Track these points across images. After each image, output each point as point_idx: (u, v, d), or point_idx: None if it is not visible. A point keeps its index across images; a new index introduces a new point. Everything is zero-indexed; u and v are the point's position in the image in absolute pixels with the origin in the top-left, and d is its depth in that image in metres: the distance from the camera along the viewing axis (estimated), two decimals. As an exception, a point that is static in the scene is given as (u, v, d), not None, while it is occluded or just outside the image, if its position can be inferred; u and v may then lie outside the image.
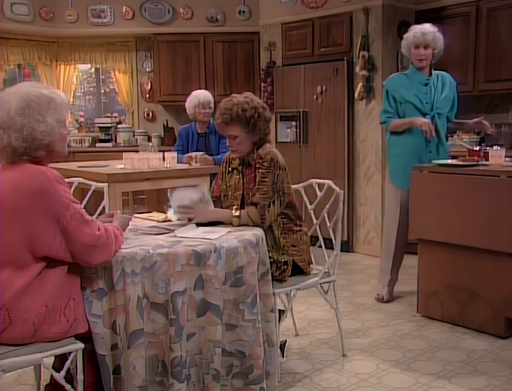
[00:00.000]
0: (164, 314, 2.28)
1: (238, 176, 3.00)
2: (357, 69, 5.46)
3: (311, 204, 3.33)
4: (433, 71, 4.05)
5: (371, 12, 5.41)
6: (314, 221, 3.31)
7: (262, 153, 2.90)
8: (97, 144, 7.14)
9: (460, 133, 5.36)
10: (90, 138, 7.19)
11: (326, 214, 3.25)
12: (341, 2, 5.65)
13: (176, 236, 2.50)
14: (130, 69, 7.40)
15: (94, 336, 2.24)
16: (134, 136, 7.24)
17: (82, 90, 7.90)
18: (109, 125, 7.21)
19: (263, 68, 6.39)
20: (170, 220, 2.88)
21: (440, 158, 3.90)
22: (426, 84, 3.99)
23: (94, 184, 3.46)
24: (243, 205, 2.93)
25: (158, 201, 6.56)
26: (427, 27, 3.99)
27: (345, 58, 5.57)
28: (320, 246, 3.25)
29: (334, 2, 5.72)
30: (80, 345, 2.17)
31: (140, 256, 2.23)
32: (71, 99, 7.58)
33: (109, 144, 7.08)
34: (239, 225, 2.76)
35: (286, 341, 3.26)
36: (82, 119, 7.57)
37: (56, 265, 2.11)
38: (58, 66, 7.36)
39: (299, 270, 2.99)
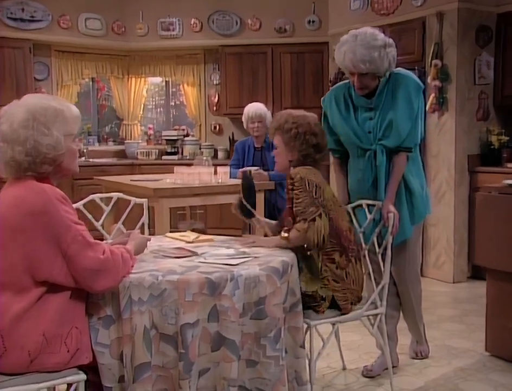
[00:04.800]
0: (174, 346, 2.07)
1: None
2: (429, 79, 5.07)
3: (360, 227, 3.03)
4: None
5: (445, 17, 5.01)
6: (363, 245, 3.00)
7: (292, 173, 2.68)
8: (164, 157, 7.13)
9: None
10: (157, 151, 7.19)
11: (375, 239, 2.93)
12: (413, 8, 5.29)
13: (194, 261, 2.29)
14: (198, 82, 7.36)
15: (100, 367, 2.07)
16: (200, 149, 7.17)
17: (154, 103, 7.96)
18: (176, 137, 7.18)
19: (331, 79, 6.11)
20: (200, 241, 2.69)
21: None
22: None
23: (134, 200, 3.34)
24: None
25: (221, 217, 6.45)
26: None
27: (416, 67, 5.18)
28: (369, 273, 2.95)
29: (406, 8, 5.36)
30: (82, 376, 2.01)
31: (147, 283, 2.04)
32: (141, 112, 7.65)
33: (175, 157, 7.05)
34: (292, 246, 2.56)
35: None
36: (151, 132, 7.61)
37: (58, 290, 1.96)
38: (130, 79, 7.45)
39: (338, 307, 2.67)
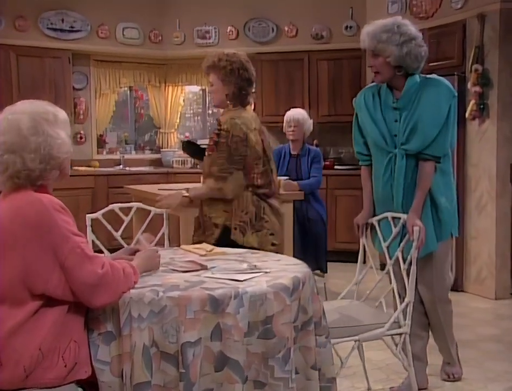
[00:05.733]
0: (175, 365, 1.97)
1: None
2: (469, 85, 4.85)
3: (385, 241, 2.88)
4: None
5: (487, 19, 4.78)
6: (388, 261, 2.85)
7: (222, 120, 3.04)
8: (199, 165, 7.08)
9: None
10: (193, 159, 7.16)
11: (400, 254, 2.77)
12: (453, 10, 5.08)
13: (201, 276, 2.20)
14: (234, 90, 7.29)
15: (100, 384, 1.99)
16: (235, 157, 7.10)
17: (192, 111, 7.96)
18: (212, 146, 7.13)
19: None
20: (214, 254, 2.60)
21: None
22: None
23: (154, 210, 3.28)
24: None
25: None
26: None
27: (455, 73, 4.98)
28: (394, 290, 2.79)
29: (445, 11, 5.16)
30: (79, 392, 1.94)
31: (148, 299, 1.96)
32: (178, 120, 7.65)
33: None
34: (196, 199, 3.20)
35: None
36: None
37: (56, 303, 1.90)
38: (167, 87, 7.47)
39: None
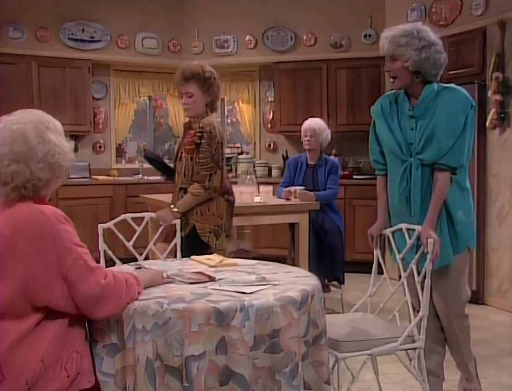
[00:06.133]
0: (179, 379, 1.94)
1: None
2: (490, 93, 4.75)
3: (399, 252, 2.81)
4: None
5: (507, 26, 4.69)
6: (402, 273, 2.78)
7: (203, 123, 3.22)
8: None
9: None
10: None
11: (414, 266, 2.70)
12: (473, 17, 5.00)
13: (207, 288, 2.16)
14: (253, 99, 7.29)
15: (104, 396, 1.98)
16: (254, 167, 7.08)
17: (211, 121, 7.94)
18: (230, 155, 7.11)
19: (388, 94, 5.88)
20: (223, 265, 2.57)
21: None
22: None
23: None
24: None
25: (274, 236, 6.30)
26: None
27: (476, 81, 4.89)
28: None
29: (466, 18, 5.08)
30: (84, 404, 1.92)
31: (152, 311, 1.93)
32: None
33: (229, 175, 6.96)
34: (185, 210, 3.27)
35: None
36: (206, 149, 7.60)
37: (57, 315, 1.88)
38: (185, 97, 7.47)
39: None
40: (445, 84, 2.85)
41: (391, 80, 2.82)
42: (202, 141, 3.25)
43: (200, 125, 3.27)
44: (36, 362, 1.83)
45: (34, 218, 1.85)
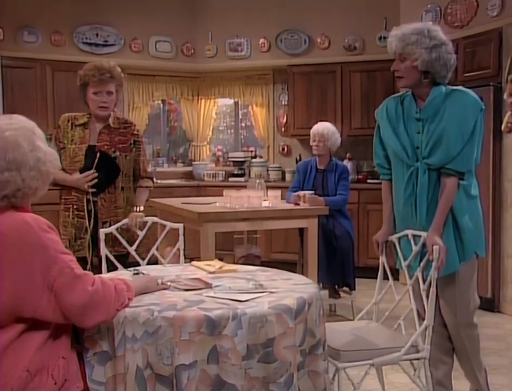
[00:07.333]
0: (170, 388, 1.89)
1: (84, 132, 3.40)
2: (505, 95, 4.60)
3: (405, 259, 2.74)
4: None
5: (524, 27, 4.58)
6: (408, 280, 2.70)
7: (133, 122, 3.56)
8: (230, 179, 7.04)
9: None
10: (224, 172, 7.12)
11: (420, 274, 2.62)
12: (489, 18, 4.89)
13: (202, 295, 2.11)
14: (267, 103, 7.24)
15: (94, 406, 1.94)
16: (267, 171, 7.03)
17: (225, 124, 7.94)
18: (243, 159, 7.08)
19: (402, 97, 5.78)
20: (223, 271, 2.52)
21: None
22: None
23: (170, 225, 3.22)
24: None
25: (286, 241, 6.23)
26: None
27: (491, 83, 4.77)
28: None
29: (481, 19, 4.97)
30: (72, 412, 1.87)
31: (142, 318, 1.88)
32: (210, 133, 7.64)
33: (242, 179, 6.93)
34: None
35: None
36: (219, 153, 7.57)
37: (42, 323, 1.84)
38: (199, 100, 7.47)
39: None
40: (453, 87, 2.76)
41: (397, 80, 2.75)
42: (138, 139, 3.47)
43: (133, 123, 3.51)
44: (21, 371, 1.79)
45: (17, 228, 1.79)
